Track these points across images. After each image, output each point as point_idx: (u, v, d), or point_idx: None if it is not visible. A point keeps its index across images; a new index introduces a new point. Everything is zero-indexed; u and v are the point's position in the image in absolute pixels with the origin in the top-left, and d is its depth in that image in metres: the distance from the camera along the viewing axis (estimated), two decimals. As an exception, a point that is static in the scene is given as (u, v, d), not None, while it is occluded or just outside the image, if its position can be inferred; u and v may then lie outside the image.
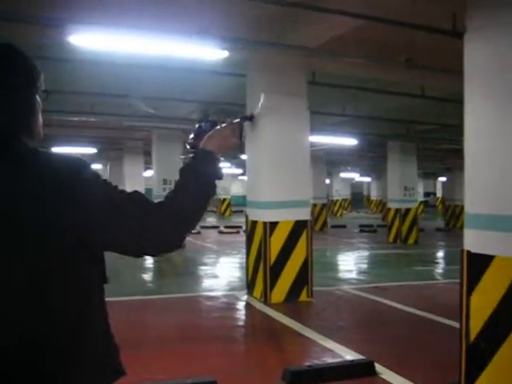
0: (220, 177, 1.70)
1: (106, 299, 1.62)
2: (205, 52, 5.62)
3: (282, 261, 7.78)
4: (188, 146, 1.92)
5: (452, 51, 5.02)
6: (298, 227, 7.84)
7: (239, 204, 41.78)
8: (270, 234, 7.70)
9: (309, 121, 8.06)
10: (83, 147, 18.88)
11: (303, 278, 7.92)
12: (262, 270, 7.83)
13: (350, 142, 14.92)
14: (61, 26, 4.92)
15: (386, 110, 13.15)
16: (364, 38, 6.95)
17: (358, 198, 47.94)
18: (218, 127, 1.82)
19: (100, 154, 21.50)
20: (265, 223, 7.73)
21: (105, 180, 1.55)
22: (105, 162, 26.09)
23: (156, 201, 1.57)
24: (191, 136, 1.92)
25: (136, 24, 5.24)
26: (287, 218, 7.77)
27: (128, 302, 7.89)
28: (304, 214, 7.96)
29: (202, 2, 5.54)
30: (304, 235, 7.88)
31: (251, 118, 7.42)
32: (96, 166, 28.46)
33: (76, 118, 13.53)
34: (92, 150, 19.19)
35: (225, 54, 5.59)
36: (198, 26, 5.55)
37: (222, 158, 1.77)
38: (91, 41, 5.16)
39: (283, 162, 7.82)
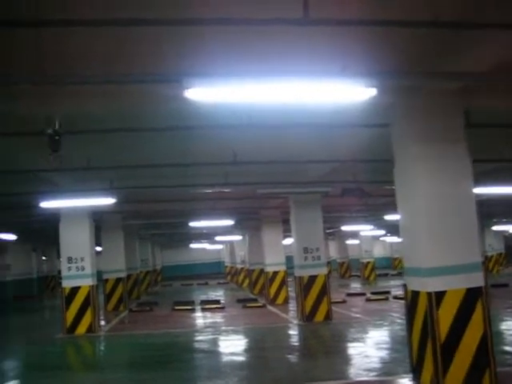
0: None
1: None
2: (347, 93, 4.71)
3: (455, 339, 6.39)
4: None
5: None
6: (471, 296, 6.46)
7: (383, 267, 39.96)
8: (437, 307, 6.39)
9: (471, 168, 6.80)
10: (220, 220, 18.70)
11: (483, 360, 6.45)
12: (430, 350, 6.48)
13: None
14: (178, 81, 4.30)
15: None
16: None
17: (512, 253, 43.81)
18: None
19: (237, 224, 21.20)
20: (429, 293, 6.44)
21: None
22: (243, 232, 25.89)
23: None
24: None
25: (261, 68, 4.51)
26: (456, 286, 6.44)
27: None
28: (476, 280, 6.56)
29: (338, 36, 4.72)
30: (479, 306, 6.47)
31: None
32: (234, 238, 28.45)
33: (210, 190, 13.25)
34: (229, 222, 18.95)
35: (371, 92, 4.64)
36: (336, 63, 4.72)
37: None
38: (211, 93, 4.48)
39: (445, 219, 6.56)
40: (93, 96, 6.36)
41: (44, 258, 36.48)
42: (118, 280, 19.68)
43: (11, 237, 22.96)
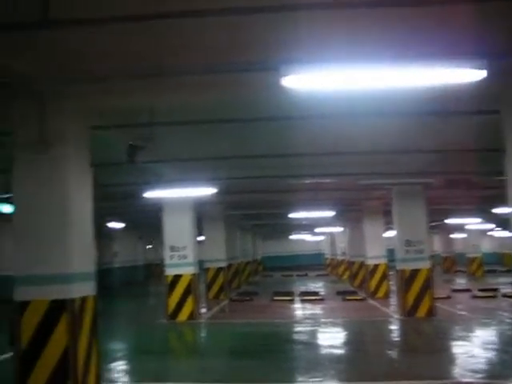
0: None
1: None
2: (454, 77, 4.41)
3: None
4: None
5: None
6: None
7: (491, 263, 38.01)
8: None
9: None
10: (320, 211, 18.56)
11: None
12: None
13: None
14: (276, 68, 4.22)
15: None
16: None
17: None
18: None
19: (338, 216, 20.93)
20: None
21: None
22: (344, 223, 25.57)
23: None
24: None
25: (361, 53, 4.33)
26: None
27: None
28: None
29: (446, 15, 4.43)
30: None
31: None
32: (335, 229, 28.17)
33: (309, 181, 13.15)
34: (330, 213, 18.76)
35: (480, 76, 4.32)
36: (443, 45, 4.44)
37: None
38: (309, 80, 4.36)
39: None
40: (193, 87, 6.44)
41: (149, 246, 38.00)
42: (219, 269, 20.07)
43: (119, 225, 24.07)
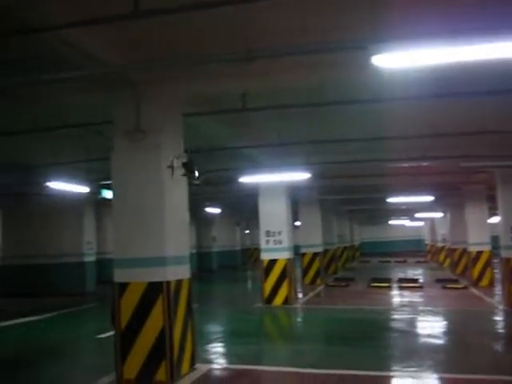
0: None
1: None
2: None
3: None
4: None
5: None
6: None
7: None
8: None
9: None
10: (419, 196, 18.03)
11: None
12: None
13: None
14: (364, 48, 4.08)
15: None
16: None
17: None
18: None
19: (438, 201, 20.22)
20: None
21: None
22: (444, 209, 24.68)
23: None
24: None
25: (457, 30, 4.07)
26: None
27: (475, 381, 6.43)
28: None
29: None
30: None
31: None
32: (435, 215, 27.26)
33: (407, 165, 12.75)
34: (429, 198, 18.16)
35: None
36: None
37: None
38: (405, 59, 4.17)
39: None
40: (283, 70, 6.40)
41: (246, 231, 38.60)
42: (315, 254, 20.01)
43: (216, 210, 24.59)
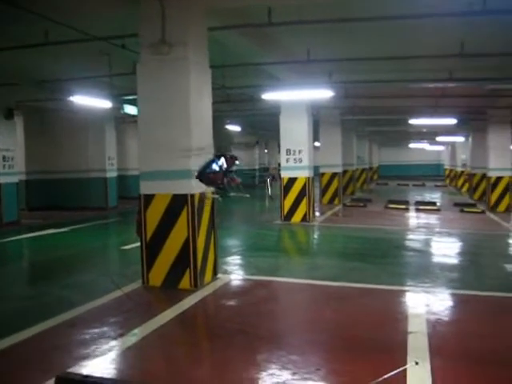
0: None
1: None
2: None
3: None
4: None
5: None
6: None
7: None
8: None
9: None
10: (442, 118, 17.82)
11: None
12: None
13: None
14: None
15: None
16: None
17: None
18: None
19: (460, 125, 19.98)
20: None
21: None
22: (466, 133, 24.42)
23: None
24: None
25: None
26: None
27: (486, 299, 6.65)
28: None
29: None
30: None
31: None
32: (456, 139, 27.00)
33: (432, 86, 12.56)
34: (451, 121, 17.96)
35: None
36: None
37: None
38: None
39: None
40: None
41: (265, 150, 38.62)
42: (334, 175, 20.16)
43: (236, 128, 24.56)
